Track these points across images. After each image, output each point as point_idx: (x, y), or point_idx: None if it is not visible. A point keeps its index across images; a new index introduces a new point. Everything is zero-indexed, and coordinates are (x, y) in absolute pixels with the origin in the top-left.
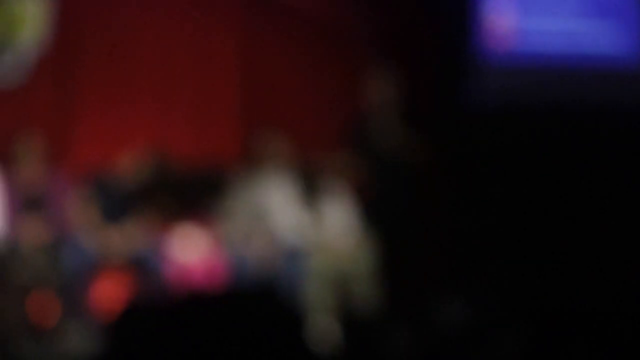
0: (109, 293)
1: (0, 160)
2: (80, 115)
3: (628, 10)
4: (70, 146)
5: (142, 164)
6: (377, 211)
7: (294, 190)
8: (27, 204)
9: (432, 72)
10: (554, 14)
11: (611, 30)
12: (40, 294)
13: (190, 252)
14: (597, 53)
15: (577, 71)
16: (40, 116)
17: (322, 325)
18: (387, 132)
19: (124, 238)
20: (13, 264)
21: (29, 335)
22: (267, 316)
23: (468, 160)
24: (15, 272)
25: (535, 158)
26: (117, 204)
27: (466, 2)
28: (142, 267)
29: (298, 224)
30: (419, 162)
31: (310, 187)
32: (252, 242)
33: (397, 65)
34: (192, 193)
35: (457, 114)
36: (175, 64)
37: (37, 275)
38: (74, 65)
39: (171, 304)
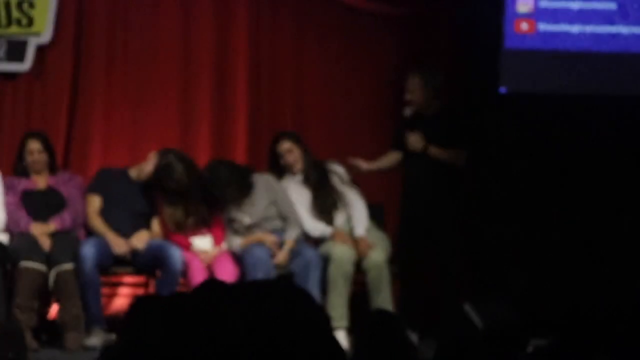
0: (124, 292)
1: (15, 161)
2: (95, 117)
3: None
4: (86, 147)
5: (159, 165)
6: (407, 214)
7: (312, 190)
8: (41, 204)
9: (455, 57)
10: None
11: (635, 14)
12: (54, 294)
13: (207, 248)
14: (626, 37)
15: (601, 55)
16: (56, 117)
17: (338, 324)
18: (430, 134)
19: (141, 237)
20: (27, 264)
21: (42, 333)
22: (289, 306)
23: (492, 145)
24: (29, 273)
25: (556, 142)
26: (133, 203)
27: None
28: (160, 265)
29: (315, 221)
30: (458, 165)
31: (329, 186)
32: (268, 237)
33: (417, 52)
34: (209, 192)
35: (485, 100)
36: (193, 67)
37: (52, 275)
38: (89, 67)
39: (192, 292)
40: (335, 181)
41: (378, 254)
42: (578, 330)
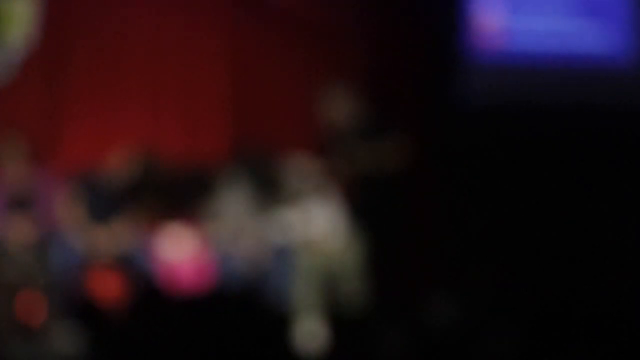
0: (97, 292)
1: None
2: (68, 114)
3: (616, 9)
4: (59, 145)
5: (130, 163)
6: (364, 212)
7: (280, 190)
8: (13, 203)
9: (421, 72)
10: (543, 13)
11: (599, 29)
12: (27, 293)
13: (179, 251)
14: (586, 52)
15: (566, 70)
16: (29, 115)
17: (310, 324)
18: (357, 144)
19: (112, 237)
20: (0, 264)
21: (16, 334)
22: (252, 317)
23: (456, 158)
24: (2, 272)
25: (523, 157)
26: (104, 203)
27: (455, 1)
28: (130, 266)
29: (286, 223)
30: (400, 165)
31: (297, 187)
32: (240, 241)
33: (384, 66)
34: (180, 192)
35: (446, 113)
36: (164, 63)
37: (25, 275)
38: (63, 64)
39: (158, 306)
40: (309, 178)
41: (351, 255)
42: (548, 324)
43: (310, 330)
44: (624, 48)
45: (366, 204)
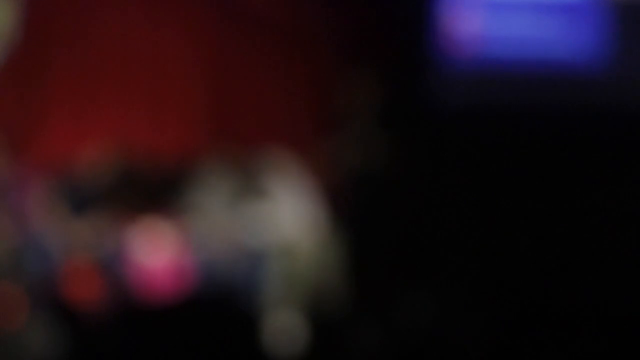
0: (73, 291)
1: None
2: (45, 110)
3: (591, 15)
4: (36, 141)
5: (107, 159)
6: (346, 210)
7: (254, 190)
8: None
9: (397, 78)
10: (518, 20)
11: (574, 35)
12: (3, 292)
13: (156, 248)
14: (560, 58)
15: (541, 76)
16: (5, 109)
17: (287, 324)
18: (361, 136)
19: (89, 234)
20: None
21: None
22: (228, 318)
23: (433, 162)
24: None
25: (499, 160)
26: (81, 200)
27: (430, 7)
28: (107, 263)
29: (261, 223)
30: (391, 165)
31: (273, 187)
32: (216, 239)
33: (361, 69)
34: (157, 189)
35: (422, 119)
36: (141, 59)
37: (0, 273)
38: (38, 60)
39: (135, 307)
40: (285, 177)
41: (328, 254)
42: (526, 320)
43: (287, 329)
44: (598, 54)
45: (345, 203)
